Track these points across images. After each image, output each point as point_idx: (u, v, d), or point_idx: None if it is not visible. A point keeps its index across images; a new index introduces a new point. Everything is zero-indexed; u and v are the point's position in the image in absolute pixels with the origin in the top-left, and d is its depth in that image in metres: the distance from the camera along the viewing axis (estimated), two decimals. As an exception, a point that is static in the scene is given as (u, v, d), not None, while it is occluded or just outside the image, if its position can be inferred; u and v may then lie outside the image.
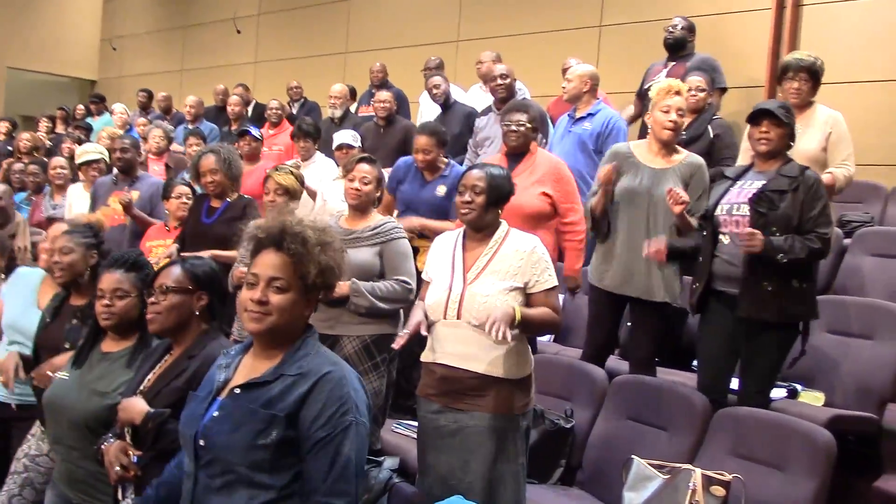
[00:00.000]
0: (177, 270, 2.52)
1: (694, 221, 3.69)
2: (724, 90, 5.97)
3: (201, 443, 1.94)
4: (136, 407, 2.32)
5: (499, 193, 3.05)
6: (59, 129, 10.00)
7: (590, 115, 5.38)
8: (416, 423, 3.83)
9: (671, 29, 5.99)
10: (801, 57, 4.44)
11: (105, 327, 2.71)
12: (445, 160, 4.89)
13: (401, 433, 3.91)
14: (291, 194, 4.29)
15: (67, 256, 3.17)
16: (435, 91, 6.44)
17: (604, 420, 3.66)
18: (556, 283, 3.01)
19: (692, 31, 6.02)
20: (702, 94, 5.18)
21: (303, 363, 1.94)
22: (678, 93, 3.91)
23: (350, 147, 5.50)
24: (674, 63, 5.83)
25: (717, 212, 3.57)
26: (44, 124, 9.77)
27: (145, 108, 9.82)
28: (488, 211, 3.02)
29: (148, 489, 2.16)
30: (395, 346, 3.05)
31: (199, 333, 2.51)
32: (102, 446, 2.38)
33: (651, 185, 3.82)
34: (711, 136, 5.05)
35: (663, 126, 3.85)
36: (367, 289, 3.55)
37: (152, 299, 2.47)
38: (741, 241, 3.37)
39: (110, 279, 2.69)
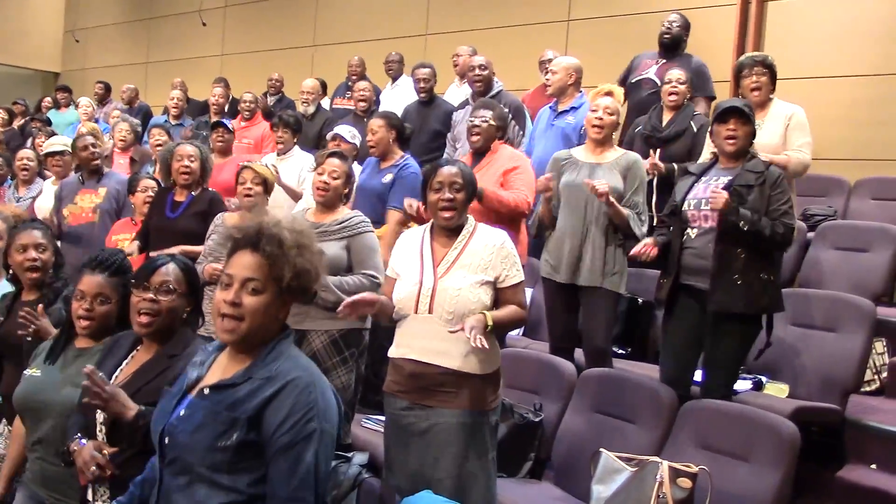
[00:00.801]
0: (178, 271, 2.46)
1: (626, 211, 3.86)
2: (711, 98, 5.78)
3: (166, 440, 1.92)
4: (129, 403, 2.25)
5: (473, 189, 3.07)
6: (17, 122, 9.81)
7: (573, 108, 5.40)
8: (384, 418, 3.85)
9: (668, 26, 5.87)
10: (754, 54, 4.65)
11: (82, 333, 2.64)
12: (401, 152, 4.89)
13: (370, 428, 3.91)
14: (267, 186, 4.25)
15: (45, 254, 3.13)
16: (423, 84, 6.38)
17: (572, 413, 3.68)
18: (522, 278, 3.02)
19: (688, 29, 5.94)
20: (682, 88, 5.16)
21: (272, 366, 1.91)
22: (609, 94, 4.12)
23: (344, 140, 5.39)
24: (665, 62, 5.78)
25: (685, 207, 3.62)
26: (0, 117, 9.59)
27: (102, 101, 9.69)
28: (465, 208, 3.04)
29: (131, 486, 2.12)
30: (339, 309, 2.90)
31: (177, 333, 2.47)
32: (73, 447, 2.31)
33: (588, 176, 3.95)
34: (696, 131, 5.03)
35: (591, 123, 4.06)
36: (334, 283, 3.53)
37: (149, 296, 2.39)
38: (711, 197, 3.42)
39: (92, 282, 2.61)
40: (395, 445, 3.02)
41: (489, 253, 2.95)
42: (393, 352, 3.05)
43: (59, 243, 3.52)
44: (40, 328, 2.88)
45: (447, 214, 2.99)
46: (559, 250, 4.02)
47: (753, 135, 3.63)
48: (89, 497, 2.33)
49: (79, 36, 14.45)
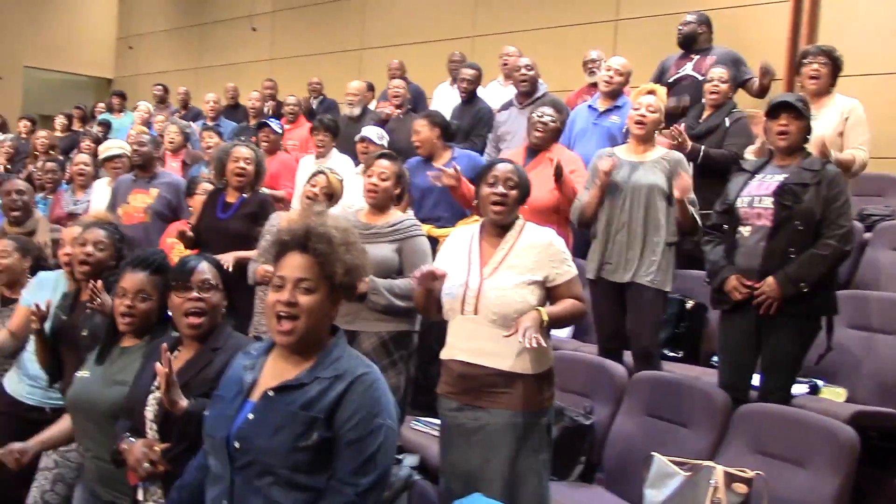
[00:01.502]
0: (211, 267, 2.50)
1: (692, 210, 3.83)
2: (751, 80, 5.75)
3: (236, 445, 1.93)
4: (182, 395, 2.28)
5: (526, 190, 3.06)
6: (76, 127, 10.04)
7: (616, 107, 5.39)
8: (435, 420, 3.84)
9: (680, 27, 5.91)
10: (820, 45, 4.63)
11: (124, 330, 2.69)
12: (450, 149, 4.96)
13: (420, 430, 3.91)
14: (332, 197, 4.25)
15: (101, 253, 3.19)
16: (467, 84, 6.40)
17: (624, 417, 3.65)
18: (575, 272, 2.99)
19: (706, 24, 5.90)
20: (724, 87, 5.11)
21: (337, 365, 1.95)
22: (651, 92, 4.10)
23: (371, 142, 5.46)
24: (697, 56, 5.74)
25: (738, 204, 3.56)
26: (60, 122, 9.80)
27: (162, 102, 9.86)
28: (517, 206, 3.02)
29: (173, 492, 2.16)
30: (416, 274, 2.92)
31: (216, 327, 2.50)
32: (123, 446, 2.36)
33: (630, 174, 3.95)
34: (728, 126, 5.00)
35: (634, 120, 4.05)
36: (384, 286, 3.54)
37: (194, 294, 2.43)
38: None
39: (133, 280, 2.66)
40: (448, 446, 3.01)
41: (536, 252, 2.94)
42: (443, 353, 3.05)
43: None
44: (104, 302, 2.94)
45: (498, 209, 2.98)
46: (602, 250, 4.00)
47: (808, 130, 3.55)
48: (140, 497, 2.37)
49: (131, 42, 14.72)
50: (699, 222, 3.89)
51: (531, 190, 3.14)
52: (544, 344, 2.75)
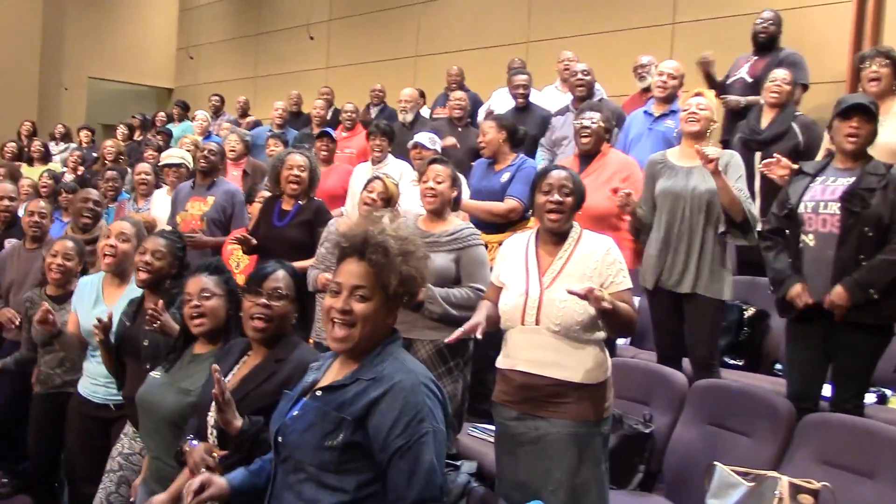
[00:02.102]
0: (287, 277, 2.54)
1: (735, 192, 3.74)
2: (805, 87, 5.74)
3: (279, 439, 2.00)
4: (236, 415, 2.33)
5: (581, 196, 3.03)
6: (137, 136, 10.24)
7: (672, 112, 5.33)
8: (492, 427, 3.83)
9: (765, 24, 5.77)
10: (878, 46, 4.58)
11: (196, 332, 2.75)
12: (514, 153, 4.96)
13: (477, 437, 3.90)
14: (389, 202, 4.25)
15: (160, 262, 3.26)
16: (522, 90, 6.39)
17: (684, 425, 3.59)
18: (630, 284, 2.96)
19: (780, 25, 5.83)
20: (786, 88, 5.01)
21: (378, 368, 1.96)
22: (699, 94, 4.06)
23: (424, 147, 5.49)
24: (756, 58, 5.66)
25: (801, 209, 3.47)
26: (121, 132, 10.02)
27: (217, 113, 10.01)
28: (572, 214, 3.00)
29: (258, 461, 2.20)
30: (448, 340, 2.95)
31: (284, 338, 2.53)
32: (186, 448, 2.41)
33: (685, 181, 3.89)
34: (799, 134, 4.89)
35: (685, 119, 4.01)
36: (441, 295, 3.53)
37: (262, 301, 2.47)
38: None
39: (196, 283, 2.75)
40: (505, 455, 3.00)
41: (595, 260, 2.91)
42: (501, 362, 3.03)
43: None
44: (164, 323, 3.00)
45: (554, 217, 2.96)
46: (658, 258, 3.95)
47: (874, 134, 3.46)
48: None
49: (191, 52, 15.00)
50: (751, 215, 3.80)
51: (586, 196, 3.11)
52: (607, 297, 2.68)
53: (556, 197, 2.96)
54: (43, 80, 13.96)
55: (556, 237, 2.99)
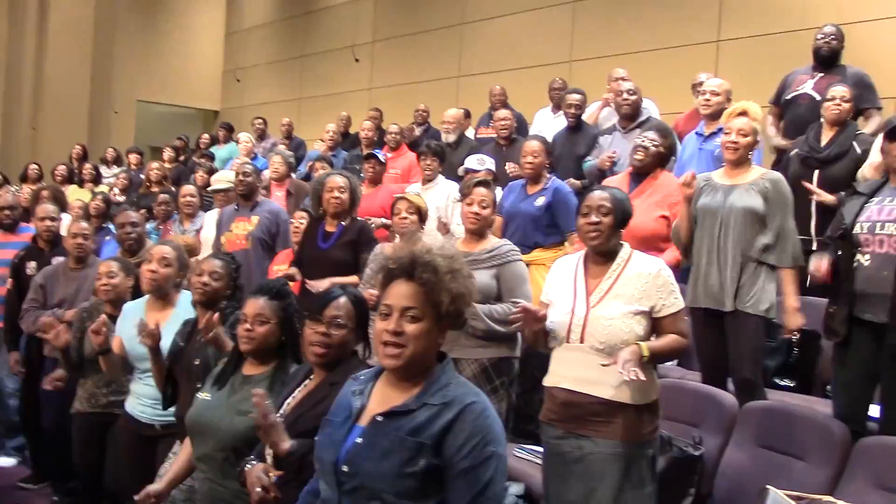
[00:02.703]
0: (349, 304, 2.54)
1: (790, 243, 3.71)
2: (878, 109, 5.40)
3: (344, 468, 1.95)
4: (284, 437, 2.33)
5: (624, 214, 3.01)
6: (180, 158, 10.37)
7: (721, 129, 5.23)
8: (538, 448, 3.79)
9: (827, 39, 5.54)
10: None
11: (244, 352, 2.77)
12: (548, 175, 4.97)
13: (523, 458, 3.85)
14: (422, 215, 4.27)
15: (217, 283, 3.30)
16: (576, 110, 6.38)
17: (734, 448, 3.52)
18: (682, 305, 2.93)
19: (843, 41, 5.60)
20: (846, 106, 4.84)
21: (446, 392, 1.95)
22: (743, 113, 3.95)
23: (474, 171, 5.50)
24: (822, 75, 5.51)
25: (857, 230, 3.40)
26: (168, 154, 10.18)
27: (261, 136, 10.14)
28: (614, 233, 2.97)
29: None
30: (514, 310, 2.94)
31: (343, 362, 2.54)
32: (246, 468, 2.42)
33: (724, 198, 3.83)
34: (859, 152, 4.71)
35: (724, 146, 3.92)
36: (483, 311, 3.53)
37: (322, 329, 2.48)
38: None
39: (254, 305, 2.75)
40: (551, 474, 2.98)
41: (644, 282, 2.88)
42: (547, 380, 3.02)
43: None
44: (218, 336, 3.03)
45: (592, 235, 2.95)
46: (698, 276, 3.88)
47: None
48: None
49: (237, 75, 15.24)
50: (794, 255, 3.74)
51: (633, 216, 3.09)
52: (643, 377, 2.69)
53: (594, 218, 2.95)
54: (93, 103, 14.27)
55: (603, 257, 2.98)
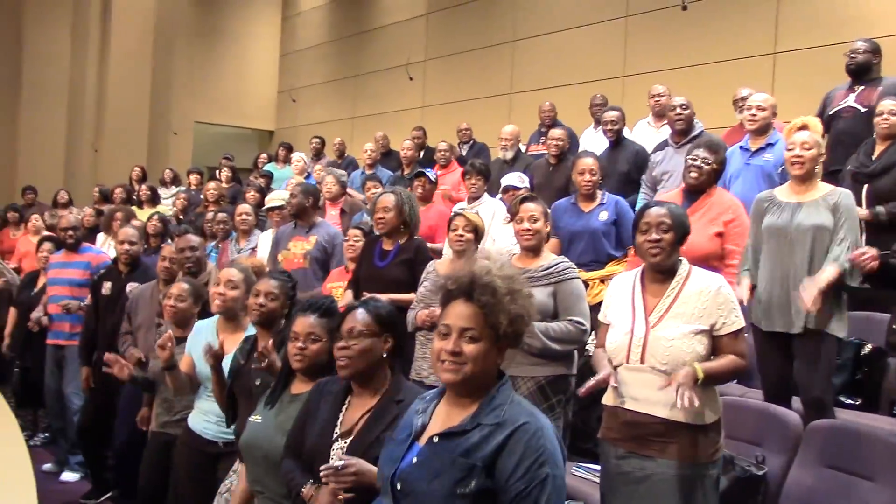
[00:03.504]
0: (362, 314, 2.54)
1: (833, 273, 3.57)
2: None
3: (398, 486, 1.97)
4: (369, 468, 2.29)
5: (684, 231, 2.97)
6: (220, 176, 10.45)
7: (769, 144, 5.17)
8: (595, 466, 3.75)
9: (853, 54, 5.59)
10: None
11: (297, 370, 2.79)
12: (600, 191, 4.99)
13: (581, 476, 3.82)
14: (478, 233, 4.24)
15: (273, 303, 3.33)
16: (612, 126, 6.34)
17: (799, 468, 3.43)
18: (743, 324, 2.87)
19: (877, 53, 5.60)
20: (893, 119, 4.80)
21: (499, 412, 1.94)
22: (804, 127, 3.87)
23: (515, 189, 5.52)
24: (862, 87, 5.47)
25: None
26: (225, 174, 10.34)
27: (318, 155, 10.24)
28: (674, 250, 2.93)
29: None
30: (581, 393, 2.97)
31: (391, 376, 2.54)
32: (308, 492, 2.42)
33: (791, 217, 3.74)
34: None
35: (790, 162, 3.83)
36: (540, 329, 3.50)
37: (342, 343, 2.49)
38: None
39: (304, 323, 2.77)
40: (611, 493, 2.94)
41: (704, 300, 2.83)
42: (607, 399, 2.98)
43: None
44: (272, 363, 3.05)
45: (654, 251, 2.91)
46: (766, 296, 3.78)
47: None
48: None
49: (291, 95, 15.46)
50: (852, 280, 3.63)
51: (690, 234, 3.04)
52: (696, 403, 2.64)
53: (654, 235, 2.91)
54: (153, 125, 14.60)
55: (662, 275, 2.94)
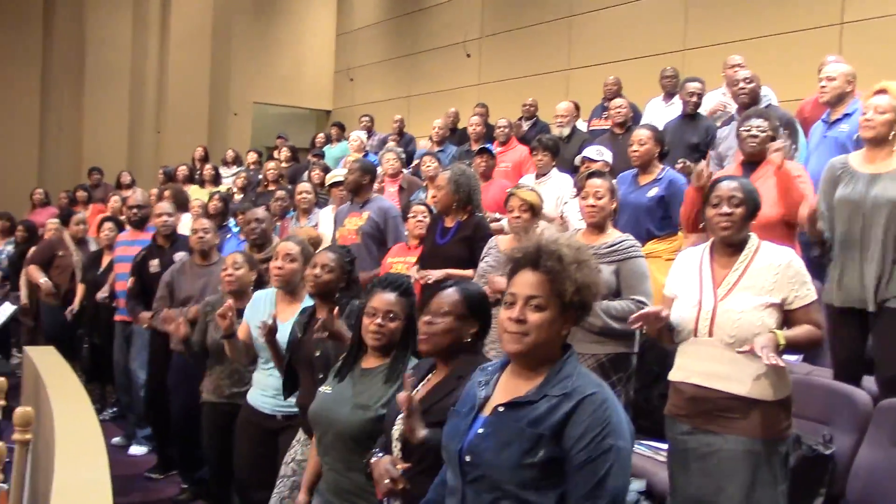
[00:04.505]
0: (453, 293, 2.52)
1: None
2: None
3: (467, 458, 1.97)
4: (421, 426, 2.34)
5: (755, 205, 2.91)
6: (280, 155, 10.58)
7: (846, 115, 5.03)
8: (657, 444, 3.72)
9: None
10: None
11: (373, 347, 2.78)
12: (661, 165, 4.86)
13: (643, 454, 3.79)
14: (535, 211, 4.20)
15: (329, 275, 3.35)
16: (693, 98, 6.25)
17: (869, 447, 3.36)
18: (815, 296, 2.82)
19: None
20: None
21: (566, 383, 1.93)
22: (881, 91, 3.71)
23: (591, 161, 5.46)
24: None
25: None
26: (284, 153, 10.45)
27: (369, 133, 10.29)
28: (745, 224, 2.88)
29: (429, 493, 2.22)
30: (631, 319, 2.87)
31: (464, 355, 2.53)
32: (372, 461, 2.45)
33: (866, 189, 3.59)
34: None
35: (861, 125, 3.72)
36: (601, 308, 3.47)
37: (428, 318, 2.49)
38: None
39: (384, 300, 2.76)
40: (677, 470, 2.91)
41: (774, 273, 2.78)
42: (673, 374, 2.94)
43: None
44: (337, 330, 3.07)
45: (724, 224, 2.86)
46: (840, 272, 3.68)
47: None
48: None
49: (348, 75, 15.53)
50: None
51: (761, 208, 2.98)
52: (782, 364, 2.59)
53: (726, 209, 2.87)
54: (212, 106, 14.83)
55: (731, 248, 2.89)
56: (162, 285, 5.16)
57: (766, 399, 2.75)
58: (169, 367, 5.13)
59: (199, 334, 4.26)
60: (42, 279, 7.28)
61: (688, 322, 2.86)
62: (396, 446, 2.43)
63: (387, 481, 2.33)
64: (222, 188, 9.01)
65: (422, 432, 2.31)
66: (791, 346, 2.73)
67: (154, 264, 5.59)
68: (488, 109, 9.07)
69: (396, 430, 2.44)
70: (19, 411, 2.95)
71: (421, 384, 2.56)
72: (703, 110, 6.48)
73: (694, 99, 6.25)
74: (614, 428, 1.86)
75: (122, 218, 6.88)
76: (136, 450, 6.07)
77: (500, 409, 1.97)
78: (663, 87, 7.52)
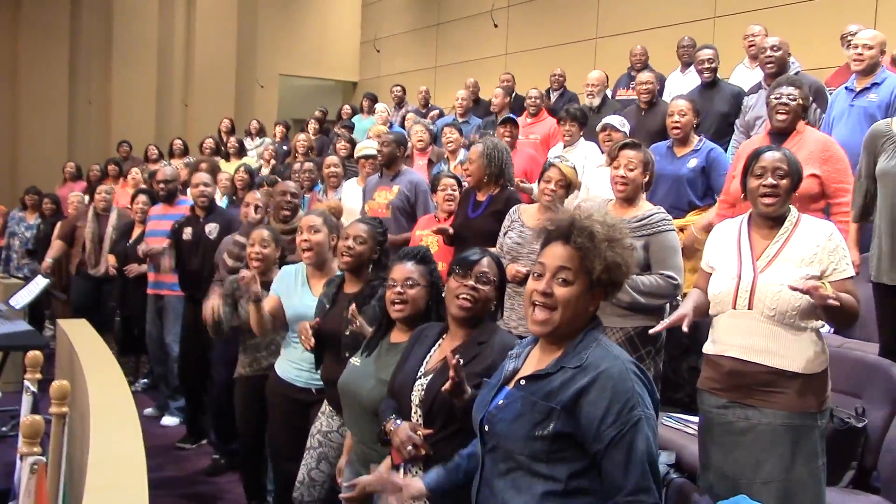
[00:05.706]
0: (492, 263, 2.58)
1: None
2: None
3: (486, 428, 2.02)
4: (465, 395, 2.32)
5: (799, 177, 2.86)
6: (309, 128, 10.58)
7: (874, 84, 4.93)
8: (687, 417, 3.72)
9: None
10: None
11: (398, 318, 2.81)
12: (697, 136, 4.81)
13: (672, 427, 3.79)
14: (570, 187, 4.14)
15: (361, 246, 3.37)
16: (709, 65, 6.18)
17: (903, 420, 3.33)
18: (853, 272, 2.77)
19: None
20: None
21: (583, 355, 1.93)
22: None
23: (614, 129, 5.42)
24: None
25: None
26: (312, 126, 10.45)
27: (400, 104, 10.24)
28: (788, 197, 2.83)
29: (457, 458, 2.26)
30: (652, 332, 2.96)
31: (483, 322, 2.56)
32: (389, 427, 2.46)
33: None
34: None
35: None
36: (629, 283, 3.42)
37: (472, 283, 2.51)
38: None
39: (402, 270, 2.80)
40: (710, 444, 2.88)
41: (815, 245, 2.73)
42: (709, 348, 2.91)
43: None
44: (361, 329, 3.08)
45: (768, 201, 2.80)
46: (881, 247, 3.62)
47: None
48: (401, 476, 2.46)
49: (375, 45, 15.45)
50: None
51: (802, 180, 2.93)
52: (836, 303, 2.54)
53: (770, 180, 2.81)
54: (239, 78, 14.85)
55: (770, 221, 2.84)
56: (216, 264, 5.13)
57: (805, 372, 2.71)
58: (210, 340, 5.16)
59: (230, 308, 4.28)
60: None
61: (726, 294, 2.82)
62: (417, 412, 2.45)
63: (410, 448, 2.36)
64: (247, 160, 9.03)
65: (467, 394, 2.30)
66: (831, 309, 2.62)
67: (187, 232, 5.73)
68: (514, 79, 9.00)
69: (416, 395, 2.46)
70: (56, 385, 2.99)
71: (433, 349, 2.58)
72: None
73: (707, 66, 6.17)
74: (638, 398, 1.87)
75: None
76: (169, 420, 6.18)
77: (522, 381, 1.99)
78: (680, 57, 7.44)
